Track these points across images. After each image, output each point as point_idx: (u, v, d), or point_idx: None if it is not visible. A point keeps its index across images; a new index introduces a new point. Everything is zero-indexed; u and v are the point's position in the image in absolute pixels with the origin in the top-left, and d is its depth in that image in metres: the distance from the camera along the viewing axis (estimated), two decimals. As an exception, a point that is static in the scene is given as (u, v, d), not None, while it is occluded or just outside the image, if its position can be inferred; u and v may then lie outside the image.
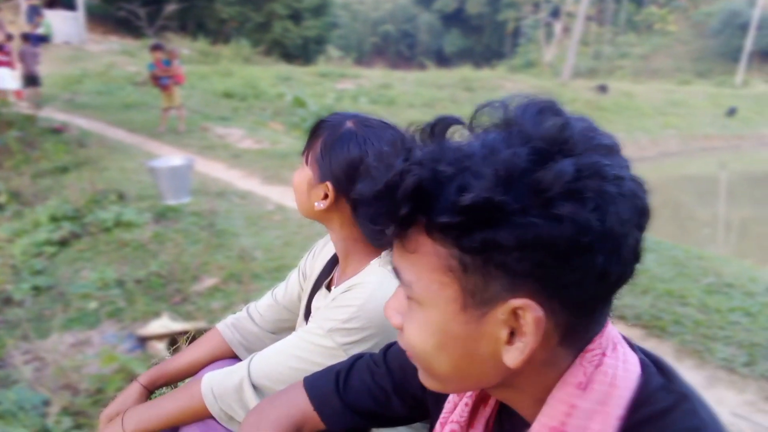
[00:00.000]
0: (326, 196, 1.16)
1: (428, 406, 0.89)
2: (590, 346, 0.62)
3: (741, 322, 3.16)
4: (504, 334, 0.58)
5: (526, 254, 0.53)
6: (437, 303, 0.59)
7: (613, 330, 0.65)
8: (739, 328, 3.09)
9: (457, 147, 0.57)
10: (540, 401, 0.63)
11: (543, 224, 0.52)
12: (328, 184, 1.15)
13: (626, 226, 0.55)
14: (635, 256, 0.58)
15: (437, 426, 0.81)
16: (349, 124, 1.18)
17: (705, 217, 10.22)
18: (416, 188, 0.55)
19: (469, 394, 0.78)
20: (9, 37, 9.61)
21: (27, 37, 10.60)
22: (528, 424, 0.66)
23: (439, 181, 0.54)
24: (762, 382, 2.64)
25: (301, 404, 0.94)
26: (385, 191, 0.57)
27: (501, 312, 0.56)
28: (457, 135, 0.60)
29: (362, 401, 0.92)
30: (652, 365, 0.65)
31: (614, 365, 0.62)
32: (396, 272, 0.63)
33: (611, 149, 0.58)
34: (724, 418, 2.38)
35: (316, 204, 1.18)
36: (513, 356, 0.58)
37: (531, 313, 0.55)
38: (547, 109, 0.58)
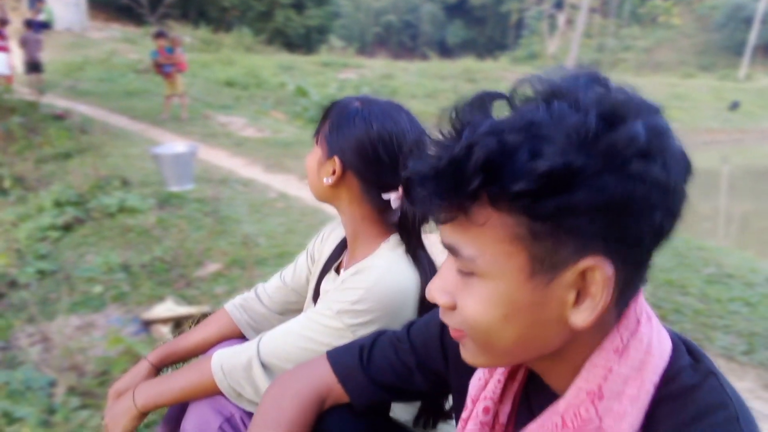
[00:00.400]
0: (334, 172, 1.19)
1: (449, 382, 0.91)
2: (626, 313, 0.64)
3: (741, 311, 3.19)
4: (572, 296, 0.59)
5: (598, 216, 0.55)
6: (503, 273, 0.60)
7: (646, 304, 0.67)
8: (739, 317, 3.12)
9: (522, 116, 0.57)
10: (577, 369, 0.65)
11: (618, 184, 0.54)
12: (336, 158, 1.18)
13: (681, 181, 0.59)
14: (682, 211, 0.60)
15: (468, 403, 0.82)
16: (356, 103, 1.21)
17: (706, 210, 10.22)
18: (487, 159, 0.55)
19: (501, 370, 0.79)
20: (3, 22, 9.57)
21: (30, 24, 10.57)
22: (556, 396, 0.69)
23: (510, 150, 0.55)
24: (760, 370, 2.67)
25: (325, 377, 0.95)
26: (451, 166, 0.57)
27: (570, 274, 0.58)
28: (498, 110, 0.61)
29: (385, 376, 0.93)
30: (682, 344, 0.68)
31: (649, 334, 0.65)
32: (452, 249, 0.63)
33: (659, 111, 0.60)
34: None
35: (324, 180, 1.21)
36: (583, 317, 0.60)
37: (601, 271, 0.57)
38: (595, 78, 0.60)
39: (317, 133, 1.26)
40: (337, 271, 1.32)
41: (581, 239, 0.56)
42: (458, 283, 0.64)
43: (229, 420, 1.17)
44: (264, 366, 1.15)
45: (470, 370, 0.82)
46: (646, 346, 0.64)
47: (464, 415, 0.82)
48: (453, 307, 0.65)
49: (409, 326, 0.95)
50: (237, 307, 1.46)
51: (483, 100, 0.61)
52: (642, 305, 0.66)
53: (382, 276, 1.12)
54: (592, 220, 0.55)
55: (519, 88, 0.60)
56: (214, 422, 1.17)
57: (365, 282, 1.13)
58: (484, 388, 0.81)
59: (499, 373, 0.79)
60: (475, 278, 0.62)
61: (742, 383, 2.60)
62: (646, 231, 0.57)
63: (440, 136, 0.60)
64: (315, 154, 1.25)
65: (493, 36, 43.66)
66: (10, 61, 9.63)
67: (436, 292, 0.67)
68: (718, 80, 25.71)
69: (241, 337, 1.43)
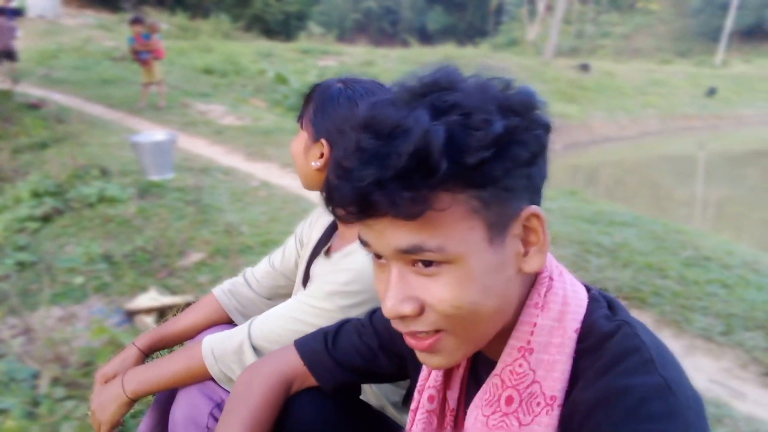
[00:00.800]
0: (322, 155, 1.19)
1: (409, 371, 0.94)
2: (540, 272, 0.71)
3: (718, 293, 3.26)
4: (520, 247, 0.66)
5: (524, 171, 0.63)
6: (471, 248, 0.63)
7: (555, 261, 0.75)
8: (717, 299, 3.19)
9: (445, 100, 0.61)
10: (510, 333, 0.71)
11: (531, 138, 0.63)
12: (323, 141, 1.18)
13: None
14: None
15: (415, 394, 0.86)
16: (338, 84, 1.22)
17: (683, 196, 10.39)
18: (447, 139, 0.58)
19: None
20: (2, 12, 9.35)
21: (2, 11, 10.31)
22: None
23: (461, 126, 0.59)
24: (738, 351, 2.73)
25: (292, 362, 0.98)
26: (414, 159, 0.57)
27: (515, 228, 0.65)
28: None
29: (350, 358, 0.96)
30: (603, 300, 0.73)
31: (563, 287, 0.72)
32: (415, 250, 0.62)
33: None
34: (701, 384, 2.48)
35: (313, 163, 1.20)
36: (536, 261, 0.67)
37: (537, 216, 0.65)
38: (455, 70, 0.67)
39: (301, 117, 1.26)
40: (327, 254, 1.33)
41: (516, 195, 0.63)
42: (420, 284, 0.64)
43: (219, 405, 1.17)
44: (255, 349, 1.15)
45: (420, 366, 0.85)
46: (562, 298, 0.70)
47: (413, 406, 0.86)
48: (420, 312, 0.65)
49: (372, 313, 0.99)
50: (225, 292, 1.45)
51: (394, 104, 0.63)
52: (551, 262, 0.73)
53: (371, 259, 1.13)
54: (520, 176, 0.63)
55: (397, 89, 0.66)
56: (205, 408, 1.17)
57: (356, 263, 1.13)
58: (427, 378, 0.84)
59: None
60: (445, 266, 0.63)
61: (720, 363, 2.67)
62: (543, 177, 0.67)
63: (357, 150, 0.60)
64: (301, 138, 1.25)
65: (473, 22, 43.60)
66: None
67: (398, 305, 0.65)
68: (695, 66, 26.04)
69: (230, 323, 1.42)
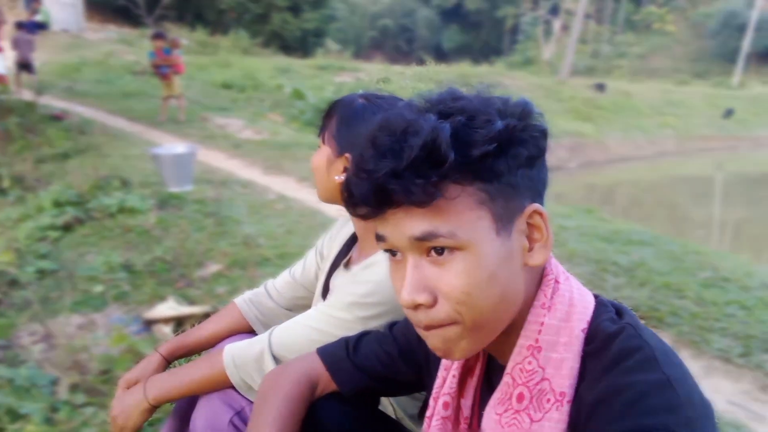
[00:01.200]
0: (345, 169, 1.21)
1: (425, 380, 0.96)
2: (545, 275, 0.75)
3: (737, 314, 3.22)
4: (525, 242, 0.71)
5: (525, 170, 0.69)
6: (479, 236, 0.68)
7: (560, 266, 0.79)
8: (735, 320, 3.15)
9: (452, 107, 0.69)
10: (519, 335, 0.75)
11: (531, 140, 0.69)
12: (347, 156, 1.20)
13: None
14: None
15: (430, 401, 0.89)
16: (360, 99, 1.24)
17: (700, 217, 10.29)
18: (453, 133, 0.65)
19: (455, 366, 0.85)
20: (20, 26, 9.66)
21: (21, 25, 10.58)
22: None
23: (466, 123, 0.66)
24: (757, 373, 2.70)
25: (316, 367, 1.01)
26: (424, 150, 0.64)
27: (520, 224, 0.71)
28: None
29: (370, 363, 0.99)
30: (611, 306, 0.76)
31: (569, 290, 0.75)
32: (428, 236, 0.67)
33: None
34: (719, 405, 2.45)
35: (336, 177, 1.22)
36: (540, 256, 0.72)
37: (539, 214, 0.71)
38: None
39: (322, 132, 1.28)
40: (347, 266, 1.34)
41: (519, 192, 0.69)
42: (432, 274, 0.70)
43: (239, 413, 1.18)
44: (275, 358, 1.17)
45: (436, 370, 0.90)
46: (569, 300, 0.74)
47: (428, 413, 0.89)
48: (434, 302, 0.70)
49: (392, 325, 1.02)
50: (246, 301, 1.48)
51: (406, 111, 0.71)
52: (557, 268, 0.77)
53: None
54: (522, 175, 0.69)
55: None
56: (225, 415, 1.18)
57: (375, 275, 1.15)
58: (442, 386, 0.87)
59: (455, 369, 0.86)
60: (456, 253, 0.68)
61: (739, 385, 2.63)
62: (543, 180, 0.73)
63: (373, 148, 0.68)
64: (322, 153, 1.26)
65: (488, 41, 43.79)
66: (5, 62, 9.65)
67: (414, 293, 0.69)
68: (713, 87, 25.89)
69: (251, 332, 1.44)
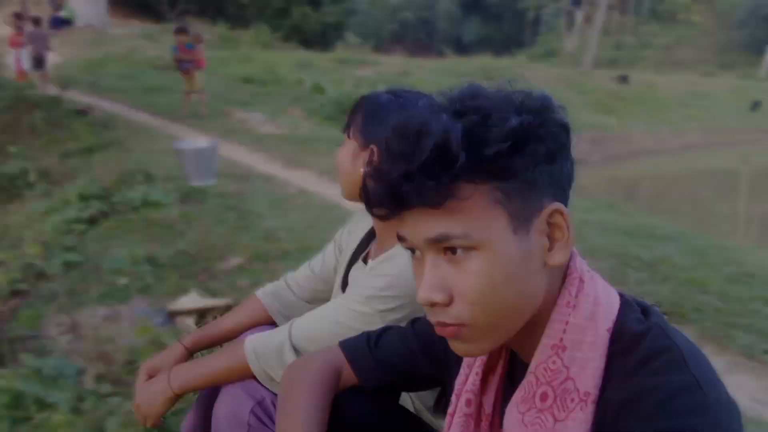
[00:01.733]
0: (371, 160, 1.21)
1: (445, 377, 0.96)
2: (570, 273, 0.74)
3: (762, 311, 3.17)
4: (546, 241, 0.70)
5: (545, 166, 0.68)
6: (495, 236, 0.67)
7: (585, 265, 0.77)
8: (760, 316, 3.10)
9: (467, 104, 0.68)
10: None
11: (549, 136, 0.68)
12: (373, 147, 1.20)
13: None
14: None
15: (453, 398, 0.88)
16: (386, 95, 1.25)
17: (725, 212, 10.11)
18: (465, 134, 0.64)
19: (478, 363, 0.85)
20: (36, 21, 9.80)
21: (36, 21, 10.75)
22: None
23: (479, 123, 0.65)
24: (782, 369, 2.66)
25: (338, 359, 1.02)
26: (435, 151, 0.64)
27: (540, 223, 0.69)
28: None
29: (391, 357, 0.99)
30: (637, 306, 0.75)
31: (594, 288, 0.74)
32: (442, 238, 0.68)
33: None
34: (742, 402, 2.41)
35: (362, 170, 1.23)
36: (561, 255, 0.71)
37: (560, 212, 0.70)
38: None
39: (348, 127, 1.29)
40: (365, 260, 1.35)
41: (539, 190, 0.68)
42: (449, 274, 0.70)
43: (260, 403, 1.20)
44: (296, 350, 1.18)
45: (458, 368, 0.90)
46: (594, 299, 0.73)
47: (450, 409, 0.88)
48: (450, 301, 0.70)
49: (413, 321, 1.03)
50: (268, 294, 1.50)
51: (421, 112, 0.70)
52: (582, 266, 0.76)
53: (408, 264, 1.16)
54: (540, 171, 0.68)
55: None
56: (246, 405, 1.20)
57: (393, 269, 1.16)
58: (465, 383, 0.87)
59: (477, 366, 0.85)
60: (473, 253, 0.68)
61: (763, 382, 2.59)
62: (567, 175, 0.71)
63: (388, 151, 0.68)
64: (348, 147, 1.28)
65: (510, 33, 43.32)
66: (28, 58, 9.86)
67: (430, 292, 0.70)
68: (739, 79, 25.35)
69: (272, 324, 1.46)
